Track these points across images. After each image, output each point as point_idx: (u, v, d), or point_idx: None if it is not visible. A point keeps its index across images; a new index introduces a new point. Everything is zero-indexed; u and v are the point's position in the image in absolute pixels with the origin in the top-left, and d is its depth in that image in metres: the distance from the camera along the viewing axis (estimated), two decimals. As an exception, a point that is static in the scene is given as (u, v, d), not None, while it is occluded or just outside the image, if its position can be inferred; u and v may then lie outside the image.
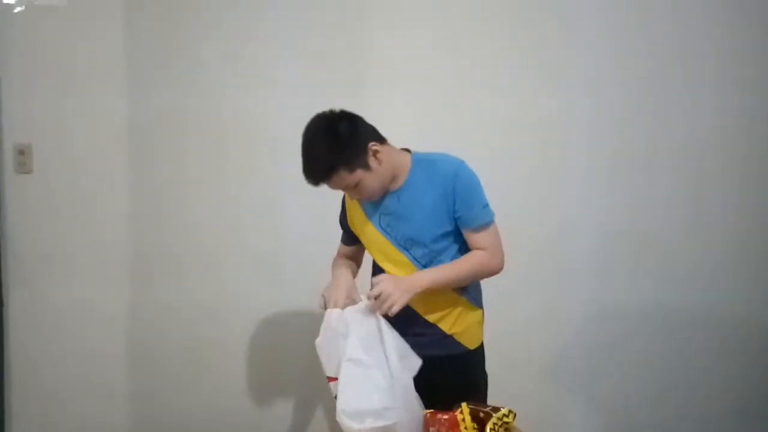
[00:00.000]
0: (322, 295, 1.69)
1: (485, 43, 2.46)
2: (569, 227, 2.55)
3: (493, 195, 1.72)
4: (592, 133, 2.52)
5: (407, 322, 1.64)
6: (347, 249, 1.88)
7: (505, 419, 1.42)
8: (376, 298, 1.56)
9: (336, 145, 1.60)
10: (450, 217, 1.66)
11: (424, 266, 1.67)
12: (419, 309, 1.69)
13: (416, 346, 1.62)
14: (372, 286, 1.60)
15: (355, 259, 1.88)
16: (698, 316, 2.63)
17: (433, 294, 1.66)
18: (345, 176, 1.60)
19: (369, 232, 1.74)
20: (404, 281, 1.60)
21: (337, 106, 2.35)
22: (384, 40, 2.42)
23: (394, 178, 1.68)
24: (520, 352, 2.50)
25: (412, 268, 1.68)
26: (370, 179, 1.63)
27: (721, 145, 2.57)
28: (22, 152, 2.33)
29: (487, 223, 1.67)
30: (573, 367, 2.63)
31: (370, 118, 2.32)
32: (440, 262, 1.67)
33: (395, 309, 1.54)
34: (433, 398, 1.57)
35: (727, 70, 2.55)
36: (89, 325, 2.43)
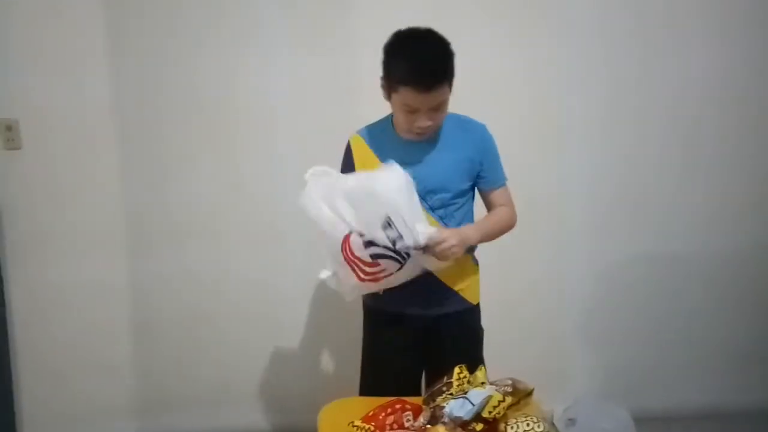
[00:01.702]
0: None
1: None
2: (565, 185, 2.54)
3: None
4: (583, 89, 2.49)
5: (423, 283, 1.68)
6: None
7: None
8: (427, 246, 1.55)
9: (450, 55, 1.59)
10: (473, 175, 1.72)
11: (441, 218, 1.70)
12: (442, 275, 1.72)
13: (434, 305, 1.72)
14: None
15: None
16: (696, 267, 2.64)
17: (460, 258, 1.69)
18: (447, 89, 1.58)
19: None
20: (460, 234, 1.62)
21: (330, 67, 2.36)
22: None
23: None
24: (520, 311, 2.53)
25: (430, 220, 1.69)
26: (447, 106, 1.62)
27: (714, 95, 2.54)
28: (9, 128, 2.30)
29: (504, 183, 1.78)
30: (573, 324, 2.65)
31: (363, 79, 2.31)
32: (452, 217, 1.71)
33: (454, 253, 1.57)
34: (438, 352, 1.70)
35: (718, 19, 2.51)
36: (89, 300, 2.44)
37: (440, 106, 1.60)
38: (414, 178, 1.62)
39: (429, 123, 1.60)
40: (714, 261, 2.64)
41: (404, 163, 1.63)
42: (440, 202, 1.70)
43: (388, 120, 1.74)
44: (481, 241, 1.72)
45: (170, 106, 2.36)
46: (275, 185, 2.43)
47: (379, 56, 2.33)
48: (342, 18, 2.36)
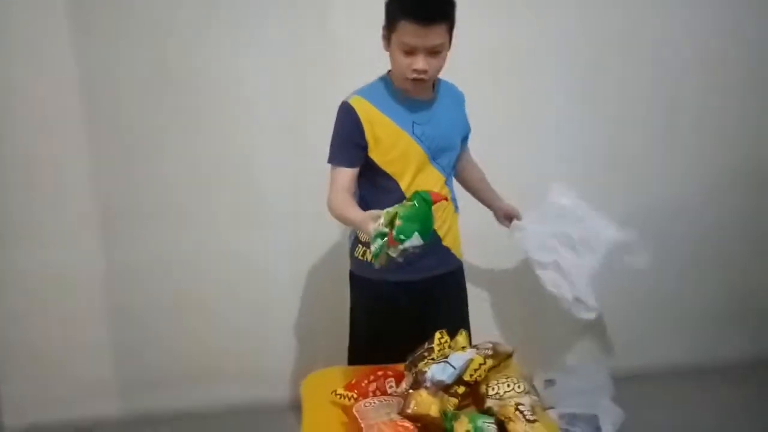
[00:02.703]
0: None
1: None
2: (545, 160, 2.55)
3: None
4: (564, 64, 2.49)
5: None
6: (352, 173, 1.67)
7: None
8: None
9: (451, 1, 1.58)
10: (461, 135, 1.81)
11: (447, 176, 1.75)
12: (435, 225, 1.63)
13: (427, 266, 1.72)
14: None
15: (353, 189, 1.70)
16: (669, 228, 2.68)
17: (447, 207, 1.75)
18: (445, 31, 1.55)
19: (399, 140, 1.65)
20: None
21: (307, 42, 2.31)
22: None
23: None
24: (499, 276, 2.55)
25: (441, 179, 1.72)
26: (445, 55, 1.60)
27: (694, 69, 2.57)
28: (-28, 110, 2.23)
29: None
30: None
31: (341, 52, 2.27)
32: (449, 175, 1.79)
33: None
34: (431, 315, 1.73)
35: None
36: (69, 284, 2.41)
37: (437, 51, 1.56)
38: (427, 136, 1.66)
39: (425, 67, 1.55)
40: (687, 222, 2.69)
41: (413, 123, 1.65)
42: (448, 160, 1.74)
43: (386, 80, 1.70)
44: None
45: (142, 86, 2.30)
46: (256, 164, 2.40)
47: (357, 30, 2.32)
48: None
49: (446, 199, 1.65)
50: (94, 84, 2.27)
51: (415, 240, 1.30)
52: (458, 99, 1.81)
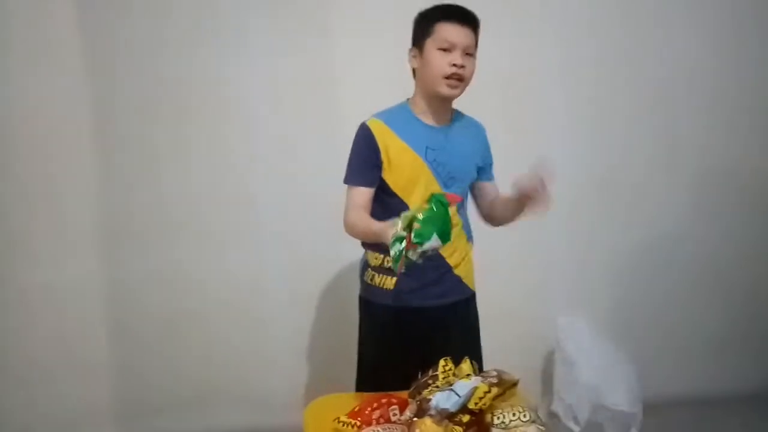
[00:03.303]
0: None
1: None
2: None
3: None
4: (565, 83, 2.52)
5: (435, 269, 1.70)
6: (368, 193, 1.70)
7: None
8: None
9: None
10: (477, 167, 1.79)
11: (459, 206, 1.74)
12: (446, 254, 1.72)
13: (439, 294, 1.74)
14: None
15: (369, 209, 1.72)
16: (673, 256, 2.70)
17: (459, 237, 1.74)
18: (475, 37, 1.67)
19: (412, 164, 1.68)
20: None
21: (309, 64, 2.34)
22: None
23: (448, 105, 1.73)
24: (500, 302, 2.53)
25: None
26: (475, 63, 1.68)
27: (692, 87, 2.60)
28: (-20, 127, 2.25)
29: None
30: (553, 313, 2.67)
31: (342, 74, 2.28)
32: (463, 209, 1.78)
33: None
34: (442, 345, 1.69)
35: (703, 14, 2.57)
36: (68, 301, 2.40)
37: (470, 54, 1.66)
38: (440, 163, 1.68)
39: (464, 63, 1.63)
40: (689, 250, 2.70)
41: (429, 148, 1.67)
42: (460, 190, 1.74)
43: (405, 106, 1.74)
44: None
45: (149, 102, 2.33)
46: (258, 183, 2.42)
47: (356, 51, 2.35)
48: (322, 16, 2.35)
49: (461, 200, 1.71)
50: (93, 102, 2.30)
51: (434, 242, 1.34)
52: (477, 131, 1.82)
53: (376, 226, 1.55)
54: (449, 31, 1.62)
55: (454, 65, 1.62)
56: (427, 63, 1.65)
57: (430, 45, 1.64)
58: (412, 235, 1.32)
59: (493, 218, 1.86)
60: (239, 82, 2.35)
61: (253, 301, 2.50)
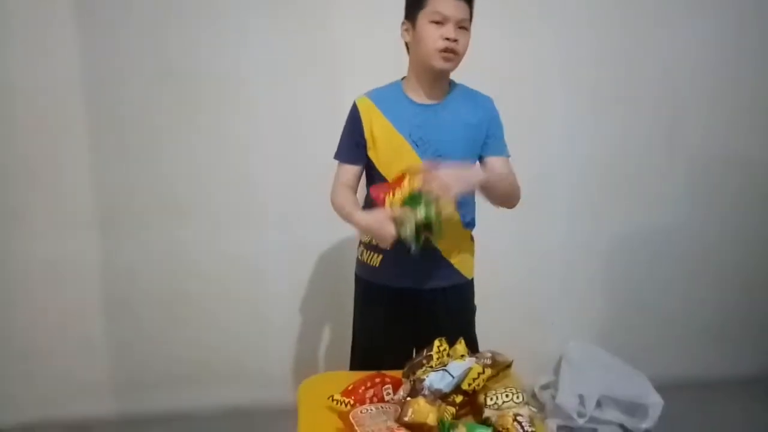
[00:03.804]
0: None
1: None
2: (548, 168, 2.56)
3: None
4: (569, 74, 2.50)
5: (422, 256, 1.63)
6: (354, 170, 1.72)
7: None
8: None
9: None
10: (479, 144, 1.71)
11: None
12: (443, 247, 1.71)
13: (430, 278, 1.73)
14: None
15: (356, 186, 1.75)
16: (668, 244, 2.69)
17: (454, 225, 1.70)
18: (469, 10, 1.61)
19: (395, 144, 1.66)
20: (463, 171, 1.56)
21: (308, 41, 2.32)
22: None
23: (442, 80, 1.67)
24: (499, 286, 2.53)
25: None
26: (469, 36, 1.62)
27: (691, 84, 2.58)
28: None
29: (508, 156, 1.76)
30: (552, 301, 2.69)
31: (342, 54, 2.26)
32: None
33: (452, 193, 1.48)
34: (431, 326, 1.67)
35: (704, 9, 2.54)
36: (64, 279, 2.40)
37: (464, 27, 1.60)
38: (425, 141, 1.64)
39: (456, 36, 1.58)
40: (687, 240, 2.70)
41: (415, 126, 1.64)
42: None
43: (398, 84, 1.72)
44: (487, 186, 1.60)
45: (141, 84, 2.30)
46: (257, 164, 2.40)
47: (357, 29, 2.32)
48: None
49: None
50: (94, 82, 2.27)
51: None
52: (481, 102, 1.73)
53: (361, 219, 1.59)
54: (442, 4, 1.57)
55: (447, 39, 1.58)
56: (420, 37, 1.61)
57: (423, 18, 1.59)
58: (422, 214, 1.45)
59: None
60: (241, 65, 2.32)
61: (251, 281, 2.50)
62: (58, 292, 2.41)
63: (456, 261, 1.77)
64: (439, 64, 1.61)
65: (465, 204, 1.74)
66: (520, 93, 2.43)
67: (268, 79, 2.35)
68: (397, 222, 1.48)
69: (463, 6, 1.59)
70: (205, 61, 2.30)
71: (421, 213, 1.46)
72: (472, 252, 1.83)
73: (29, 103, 2.27)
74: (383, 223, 1.50)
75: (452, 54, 1.60)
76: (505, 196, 1.70)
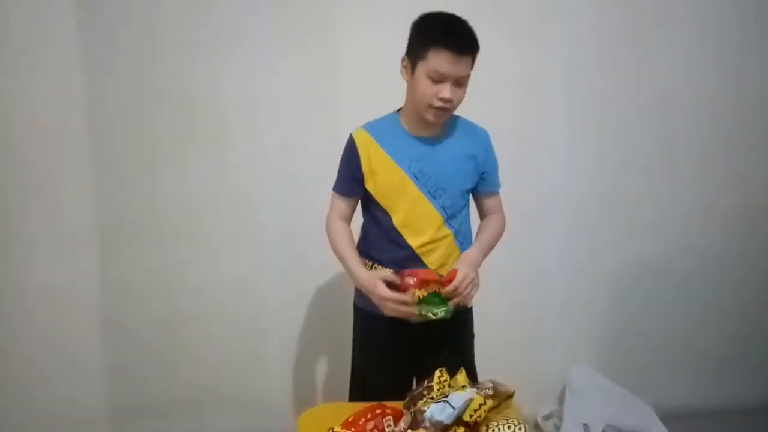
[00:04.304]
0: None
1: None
2: (549, 190, 2.56)
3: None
4: (570, 91, 2.51)
5: None
6: (349, 202, 1.75)
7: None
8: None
9: (477, 38, 1.61)
10: (476, 176, 1.74)
11: (449, 217, 1.70)
12: (435, 267, 1.71)
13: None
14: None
15: (351, 217, 1.79)
16: (676, 271, 2.69)
17: (452, 249, 1.73)
18: (471, 65, 1.60)
19: (395, 176, 1.66)
20: (471, 262, 1.67)
21: (311, 67, 2.34)
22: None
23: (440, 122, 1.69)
24: (500, 314, 2.52)
25: (438, 218, 1.68)
26: (466, 88, 1.63)
27: (692, 100, 2.59)
28: (-22, 128, 2.24)
29: (499, 189, 1.81)
30: (553, 326, 2.67)
31: (344, 78, 2.26)
32: (455, 218, 1.72)
33: (475, 284, 1.64)
34: (432, 356, 1.69)
35: (706, 24, 2.56)
36: (63, 302, 2.38)
37: (463, 82, 1.59)
38: (425, 174, 1.65)
39: (452, 96, 1.57)
40: (693, 265, 2.70)
41: (414, 159, 1.65)
42: (450, 201, 1.70)
43: (394, 116, 1.72)
44: (483, 258, 1.75)
45: (146, 104, 2.30)
46: (256, 184, 2.40)
47: (359, 58, 2.34)
48: (323, 17, 2.34)
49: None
50: (92, 101, 2.28)
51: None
52: (478, 136, 1.75)
53: (356, 271, 1.67)
54: (442, 62, 1.54)
55: (441, 98, 1.57)
56: (416, 85, 1.60)
57: (421, 69, 1.57)
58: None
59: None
60: (240, 85, 2.33)
61: (250, 303, 2.48)
62: (57, 314, 2.38)
63: None
64: (430, 118, 1.62)
65: (463, 234, 1.76)
66: (521, 110, 2.46)
67: (267, 100, 2.35)
68: (413, 306, 1.59)
69: (465, 62, 1.56)
70: (203, 83, 2.31)
71: (440, 314, 1.59)
72: None
73: (27, 127, 2.26)
74: (376, 282, 1.60)
75: (445, 111, 1.61)
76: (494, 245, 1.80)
